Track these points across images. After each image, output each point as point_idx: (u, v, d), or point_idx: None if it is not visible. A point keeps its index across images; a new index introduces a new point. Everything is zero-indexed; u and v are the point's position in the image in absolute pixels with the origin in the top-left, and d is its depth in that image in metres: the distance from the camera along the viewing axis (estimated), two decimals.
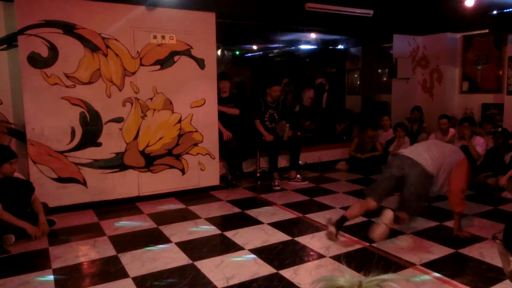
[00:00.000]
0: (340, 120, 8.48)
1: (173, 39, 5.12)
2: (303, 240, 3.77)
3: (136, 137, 5.03)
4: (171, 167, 5.30)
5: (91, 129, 4.76)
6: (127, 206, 4.93)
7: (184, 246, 3.67)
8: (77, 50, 4.61)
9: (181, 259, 3.39)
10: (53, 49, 4.49)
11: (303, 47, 9.68)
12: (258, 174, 6.27)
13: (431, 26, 7.21)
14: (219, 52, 7.95)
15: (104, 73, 4.78)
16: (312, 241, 3.75)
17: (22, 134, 4.57)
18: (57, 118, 4.58)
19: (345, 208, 4.69)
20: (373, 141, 6.96)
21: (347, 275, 0.91)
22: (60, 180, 4.66)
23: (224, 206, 4.96)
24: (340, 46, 9.90)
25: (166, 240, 3.82)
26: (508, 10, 5.63)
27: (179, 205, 4.99)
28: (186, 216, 4.56)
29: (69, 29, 4.55)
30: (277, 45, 10.05)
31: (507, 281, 2.54)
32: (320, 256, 3.41)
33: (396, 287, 0.88)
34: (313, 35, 8.18)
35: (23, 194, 3.99)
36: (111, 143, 4.88)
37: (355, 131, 8.06)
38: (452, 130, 6.34)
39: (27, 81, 4.41)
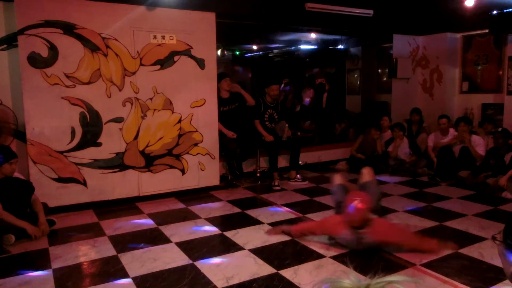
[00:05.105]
0: (340, 120, 8.48)
1: (173, 39, 5.12)
2: (303, 240, 3.76)
3: (136, 137, 5.03)
4: (171, 167, 5.30)
5: (91, 129, 4.76)
6: (127, 206, 4.93)
7: (184, 246, 3.67)
8: (77, 50, 4.61)
9: (181, 259, 3.39)
10: (53, 49, 4.49)
11: (303, 47, 9.68)
12: (258, 174, 6.27)
13: (431, 26, 7.20)
14: (219, 52, 7.94)
15: (104, 73, 4.78)
16: (312, 241, 3.75)
17: (22, 134, 4.57)
18: (57, 118, 4.58)
19: None
20: (376, 142, 6.93)
21: (352, 276, 0.89)
22: (60, 180, 4.66)
23: (224, 206, 4.96)
24: (340, 46, 9.90)
25: (166, 240, 3.82)
26: (508, 10, 5.62)
27: (179, 205, 4.99)
28: (186, 216, 4.56)
29: (69, 29, 4.55)
30: (277, 45, 10.05)
31: (507, 281, 2.54)
32: (320, 256, 3.41)
33: None
34: (313, 35, 8.16)
35: (23, 194, 3.99)
36: (111, 143, 4.88)
37: (352, 132, 8.04)
38: (452, 131, 6.34)
39: (27, 81, 4.41)
